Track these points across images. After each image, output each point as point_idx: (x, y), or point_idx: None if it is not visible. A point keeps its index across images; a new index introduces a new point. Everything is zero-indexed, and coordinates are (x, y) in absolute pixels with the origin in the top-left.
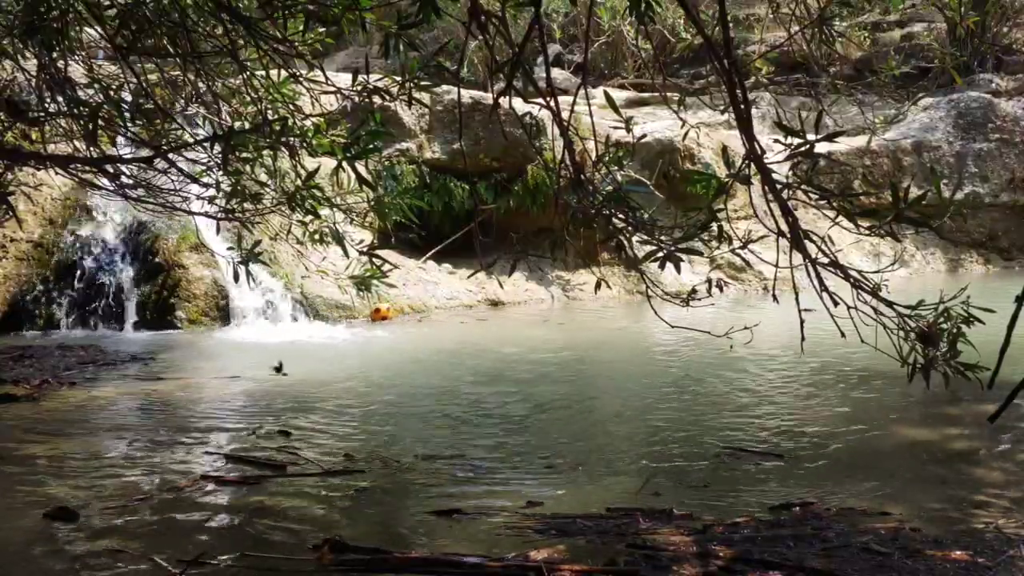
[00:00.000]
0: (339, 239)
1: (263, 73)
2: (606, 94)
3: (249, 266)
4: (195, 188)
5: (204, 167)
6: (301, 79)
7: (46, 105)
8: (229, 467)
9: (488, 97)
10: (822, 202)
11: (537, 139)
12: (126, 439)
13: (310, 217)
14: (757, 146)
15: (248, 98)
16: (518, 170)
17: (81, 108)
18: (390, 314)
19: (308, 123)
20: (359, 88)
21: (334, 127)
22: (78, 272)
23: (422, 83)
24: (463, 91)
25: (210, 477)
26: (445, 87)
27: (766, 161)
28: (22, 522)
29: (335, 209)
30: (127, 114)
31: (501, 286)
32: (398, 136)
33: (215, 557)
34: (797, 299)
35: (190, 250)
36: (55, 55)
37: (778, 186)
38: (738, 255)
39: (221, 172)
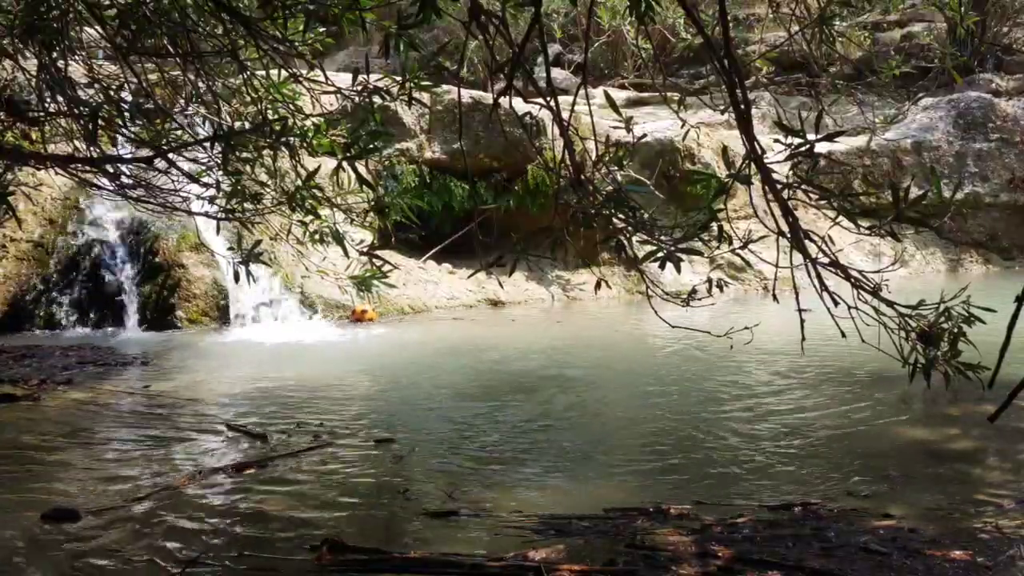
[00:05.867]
0: (339, 239)
1: (263, 73)
2: (606, 94)
3: (249, 266)
4: (195, 188)
5: (204, 167)
6: (301, 79)
7: (46, 105)
8: (227, 465)
9: (488, 97)
10: (822, 202)
11: (537, 139)
12: (126, 439)
13: (310, 217)
14: (757, 146)
15: (248, 98)
16: (518, 170)
17: (81, 108)
18: (373, 316)
19: (308, 123)
20: (359, 88)
21: (334, 127)
22: (78, 272)
23: (422, 83)
24: (463, 91)
25: (209, 473)
26: (445, 87)
27: (766, 161)
28: (22, 522)
29: (335, 209)
30: (127, 114)
31: (501, 286)
32: (398, 136)
33: (215, 557)
34: (797, 299)
35: (190, 250)
36: (55, 55)
37: (778, 186)
38: (738, 255)
39: (221, 172)
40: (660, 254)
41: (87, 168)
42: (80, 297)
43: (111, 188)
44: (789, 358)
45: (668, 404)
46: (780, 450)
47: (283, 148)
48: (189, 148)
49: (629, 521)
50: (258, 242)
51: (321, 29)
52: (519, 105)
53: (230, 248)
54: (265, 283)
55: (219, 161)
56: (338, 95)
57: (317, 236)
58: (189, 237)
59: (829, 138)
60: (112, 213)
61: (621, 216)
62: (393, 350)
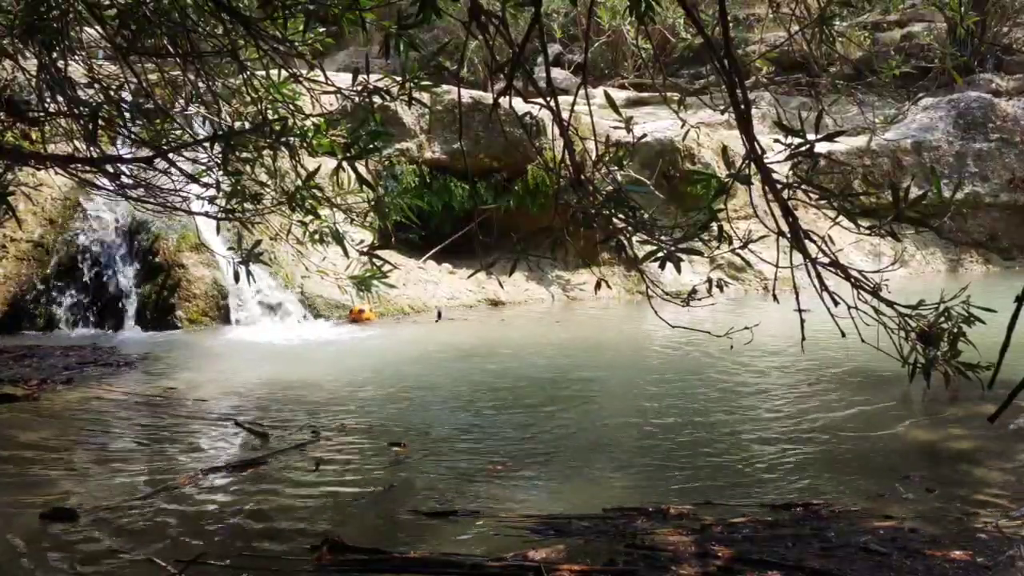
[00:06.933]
0: (339, 239)
1: (263, 73)
2: (606, 94)
3: (249, 266)
4: (195, 188)
5: (204, 167)
6: (301, 79)
7: (46, 105)
8: (227, 464)
9: (488, 97)
10: (822, 202)
11: (537, 139)
12: (125, 439)
13: (310, 217)
14: (757, 146)
15: (248, 98)
16: (518, 170)
17: (81, 108)
18: (371, 316)
19: (308, 123)
20: (359, 88)
21: (334, 127)
22: (78, 272)
23: (422, 83)
24: (463, 91)
25: (209, 472)
26: (445, 87)
27: (766, 161)
28: (21, 523)
29: (335, 209)
30: (127, 114)
31: (501, 286)
32: (398, 136)
33: (215, 557)
34: (797, 299)
35: (190, 250)
36: (55, 55)
37: (778, 186)
38: (738, 255)
39: (221, 172)
40: (660, 254)
41: (87, 168)
42: (80, 297)
43: (111, 188)
44: (789, 358)
45: (668, 404)
46: (779, 450)
47: (283, 148)
48: (189, 148)
49: (629, 521)
50: (258, 242)
51: (321, 29)
52: (519, 105)
53: (230, 248)
54: (265, 283)
55: (219, 161)
56: (338, 95)
57: (317, 236)
58: (189, 237)
59: (829, 138)
60: (112, 213)
61: (621, 216)
62: (392, 350)
